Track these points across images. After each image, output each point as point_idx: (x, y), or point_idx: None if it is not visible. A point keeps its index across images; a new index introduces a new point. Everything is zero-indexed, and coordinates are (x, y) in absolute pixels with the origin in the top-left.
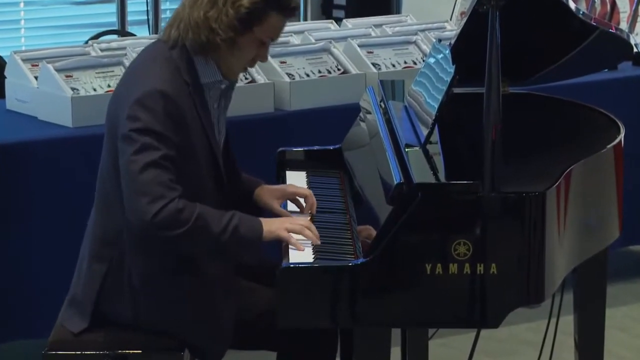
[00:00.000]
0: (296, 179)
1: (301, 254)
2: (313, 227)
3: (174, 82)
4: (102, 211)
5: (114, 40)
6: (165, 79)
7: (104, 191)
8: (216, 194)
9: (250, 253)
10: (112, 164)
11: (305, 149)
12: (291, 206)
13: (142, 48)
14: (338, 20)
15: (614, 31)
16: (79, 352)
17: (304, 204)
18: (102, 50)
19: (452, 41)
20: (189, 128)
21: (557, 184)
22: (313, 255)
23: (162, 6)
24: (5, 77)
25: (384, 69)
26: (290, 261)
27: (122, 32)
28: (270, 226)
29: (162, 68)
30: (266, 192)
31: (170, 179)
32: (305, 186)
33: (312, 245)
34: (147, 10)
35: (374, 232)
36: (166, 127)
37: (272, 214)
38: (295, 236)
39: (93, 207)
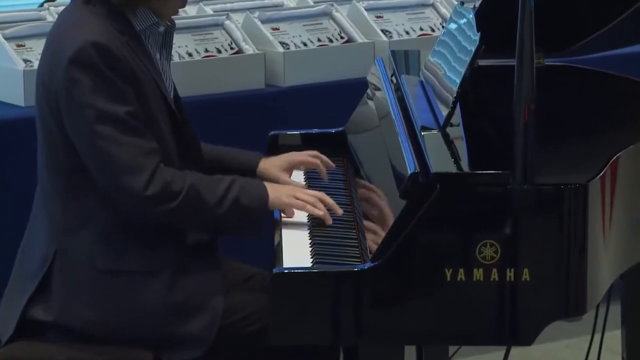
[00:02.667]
0: None
1: (297, 258)
2: (329, 199)
3: (106, 32)
4: (44, 202)
5: None
6: (95, 30)
7: (42, 179)
8: (182, 160)
9: (252, 225)
10: (48, 150)
11: (302, 132)
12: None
13: None
14: None
15: None
16: None
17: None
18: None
19: (477, 3)
20: (138, 80)
21: (601, 174)
22: (312, 259)
23: None
24: None
25: (395, 37)
26: (285, 265)
27: None
28: (277, 192)
29: (88, 21)
30: (271, 165)
31: (143, 140)
32: (302, 177)
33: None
34: None
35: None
36: (113, 81)
37: None
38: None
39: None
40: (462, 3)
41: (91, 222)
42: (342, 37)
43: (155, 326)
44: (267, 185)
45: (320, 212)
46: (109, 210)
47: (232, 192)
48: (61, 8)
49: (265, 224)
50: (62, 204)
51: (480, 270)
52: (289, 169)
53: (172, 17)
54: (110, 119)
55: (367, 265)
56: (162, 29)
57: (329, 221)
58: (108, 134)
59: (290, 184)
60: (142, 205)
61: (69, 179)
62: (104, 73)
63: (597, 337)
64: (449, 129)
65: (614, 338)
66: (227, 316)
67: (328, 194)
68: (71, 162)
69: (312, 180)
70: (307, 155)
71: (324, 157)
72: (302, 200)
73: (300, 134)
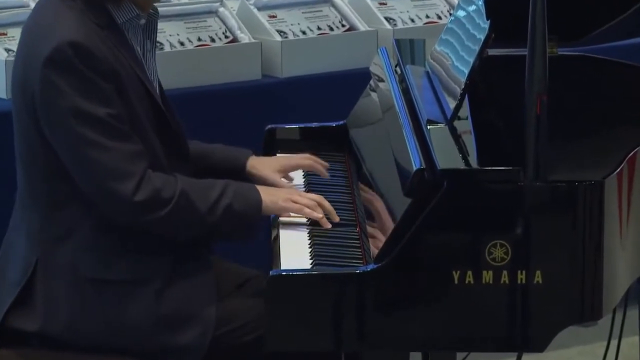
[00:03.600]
0: None
1: (296, 259)
2: (327, 204)
3: (84, 28)
4: (22, 205)
5: None
6: (72, 27)
7: (19, 179)
8: (168, 158)
9: (245, 231)
10: (25, 149)
11: (301, 125)
12: None
13: None
14: None
15: None
16: None
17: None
18: None
19: None
20: (119, 76)
21: (618, 170)
22: (311, 260)
23: None
24: None
25: (400, 25)
26: (283, 267)
27: None
28: (272, 196)
29: (65, 17)
30: (262, 165)
31: (130, 144)
32: (301, 174)
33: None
34: None
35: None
36: (94, 81)
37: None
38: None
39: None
40: None
41: (74, 230)
42: (343, 25)
43: (144, 337)
44: (261, 189)
45: (319, 215)
46: (93, 217)
47: (224, 198)
48: None
49: (261, 224)
50: (41, 211)
51: (490, 272)
52: (283, 172)
53: (159, 3)
54: (92, 123)
55: (370, 267)
56: (143, 21)
57: (327, 226)
58: (91, 139)
59: (283, 186)
60: (131, 212)
61: (48, 181)
62: (83, 73)
63: (614, 343)
64: (456, 123)
65: (632, 345)
66: (221, 325)
67: (329, 192)
68: (50, 164)
69: (312, 177)
70: (301, 159)
71: (318, 159)
72: (300, 204)
73: (298, 127)
